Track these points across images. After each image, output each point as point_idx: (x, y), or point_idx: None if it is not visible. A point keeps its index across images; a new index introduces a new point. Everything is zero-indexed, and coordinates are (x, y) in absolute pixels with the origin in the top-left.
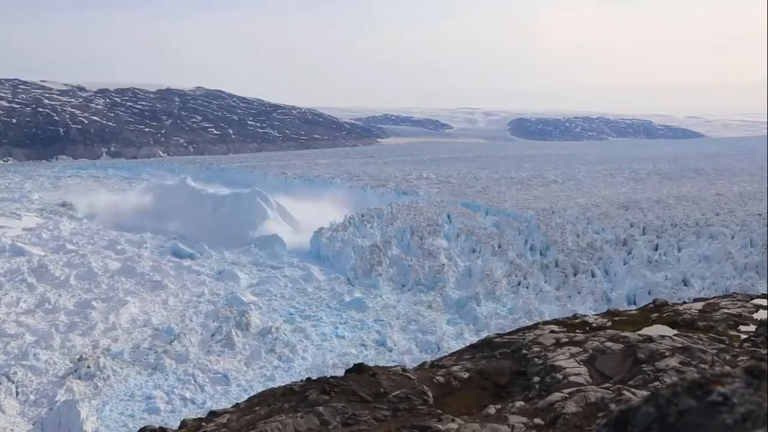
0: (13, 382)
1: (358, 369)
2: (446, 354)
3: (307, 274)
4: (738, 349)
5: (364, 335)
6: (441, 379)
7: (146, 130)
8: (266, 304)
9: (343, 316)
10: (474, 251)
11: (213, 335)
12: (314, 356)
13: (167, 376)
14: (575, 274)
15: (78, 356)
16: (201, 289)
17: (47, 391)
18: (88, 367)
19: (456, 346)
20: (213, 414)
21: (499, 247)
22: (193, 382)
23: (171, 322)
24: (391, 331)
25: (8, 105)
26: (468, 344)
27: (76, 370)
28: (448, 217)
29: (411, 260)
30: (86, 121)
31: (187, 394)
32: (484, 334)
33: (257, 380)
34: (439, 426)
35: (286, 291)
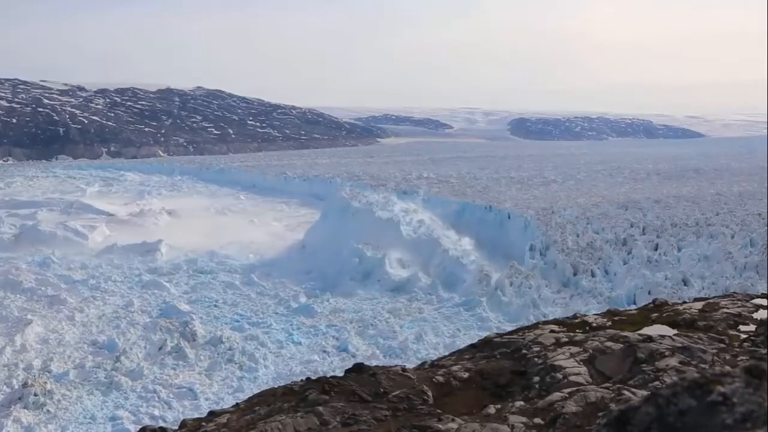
0: None
1: (358, 369)
2: (446, 354)
3: (248, 279)
4: (738, 349)
5: (321, 341)
6: (441, 378)
7: (146, 129)
8: (206, 312)
9: (294, 322)
10: (474, 261)
11: (160, 348)
12: (276, 365)
13: (126, 394)
14: (575, 274)
15: (23, 382)
16: (126, 300)
17: None
18: (35, 394)
19: (421, 348)
20: (213, 414)
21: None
22: (157, 398)
23: (115, 337)
24: (349, 336)
25: (8, 105)
26: (467, 344)
27: (20, 397)
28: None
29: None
30: (86, 121)
31: (156, 412)
32: (457, 337)
33: (225, 392)
34: (439, 426)
35: (227, 297)
